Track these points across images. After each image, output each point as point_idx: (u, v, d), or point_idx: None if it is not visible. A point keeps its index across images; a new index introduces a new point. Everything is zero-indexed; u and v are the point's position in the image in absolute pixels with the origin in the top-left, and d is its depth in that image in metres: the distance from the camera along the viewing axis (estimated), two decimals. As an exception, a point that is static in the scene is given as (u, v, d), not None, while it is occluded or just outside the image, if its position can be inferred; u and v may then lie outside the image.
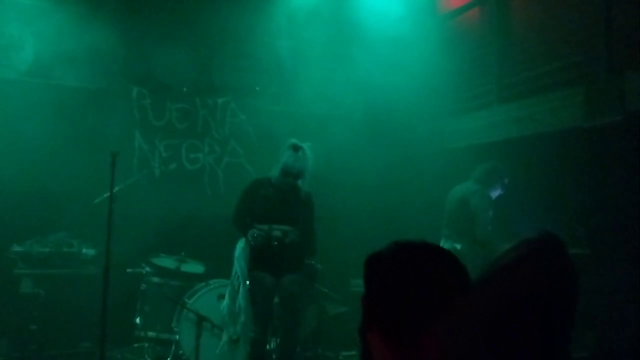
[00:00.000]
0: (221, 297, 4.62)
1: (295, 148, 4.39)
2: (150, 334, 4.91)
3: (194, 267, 5.25)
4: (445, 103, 6.05)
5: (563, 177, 4.64)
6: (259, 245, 4.33)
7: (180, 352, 4.76)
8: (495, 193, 4.90)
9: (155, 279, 5.06)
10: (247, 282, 4.41)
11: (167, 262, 5.19)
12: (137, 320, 4.97)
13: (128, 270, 5.08)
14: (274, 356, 4.70)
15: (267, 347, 4.53)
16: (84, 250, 5.24)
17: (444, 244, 4.88)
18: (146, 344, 4.95)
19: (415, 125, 6.20)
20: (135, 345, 5.07)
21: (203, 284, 4.99)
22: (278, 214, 4.37)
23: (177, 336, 4.79)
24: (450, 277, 1.13)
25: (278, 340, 4.63)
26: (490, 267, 0.97)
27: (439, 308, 1.06)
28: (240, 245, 4.47)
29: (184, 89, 6.32)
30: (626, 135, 4.12)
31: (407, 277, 1.12)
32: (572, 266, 0.98)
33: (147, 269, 5.11)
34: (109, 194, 4.11)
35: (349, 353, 5.43)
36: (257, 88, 6.49)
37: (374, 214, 6.03)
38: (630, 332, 3.99)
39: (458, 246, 4.76)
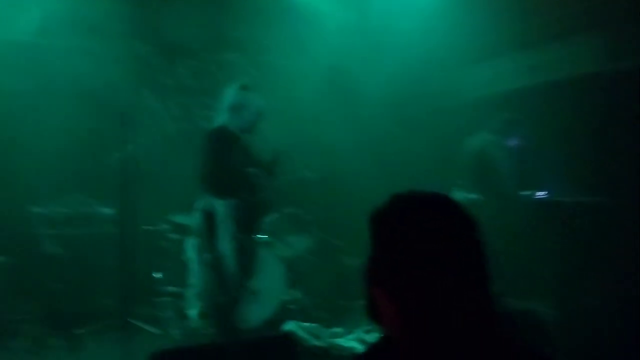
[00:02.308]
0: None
1: (244, 87, 4.14)
2: (171, 289, 5.02)
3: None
4: (457, 53, 5.91)
5: (580, 124, 4.56)
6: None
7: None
8: (511, 143, 4.85)
9: (174, 236, 5.14)
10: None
11: (185, 219, 5.24)
12: (159, 275, 5.07)
13: (146, 227, 5.14)
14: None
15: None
16: (102, 210, 5.32)
17: (457, 193, 4.88)
18: (168, 299, 5.07)
19: (429, 77, 6.08)
20: (157, 300, 5.19)
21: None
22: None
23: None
24: (455, 228, 1.12)
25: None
26: None
27: (443, 260, 1.07)
28: (221, 204, 4.17)
29: (194, 46, 6.25)
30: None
31: (410, 233, 1.11)
32: None
33: (166, 226, 5.18)
34: (121, 153, 4.14)
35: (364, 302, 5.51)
36: (268, 43, 6.39)
37: (387, 167, 6.00)
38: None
39: (472, 196, 4.76)
